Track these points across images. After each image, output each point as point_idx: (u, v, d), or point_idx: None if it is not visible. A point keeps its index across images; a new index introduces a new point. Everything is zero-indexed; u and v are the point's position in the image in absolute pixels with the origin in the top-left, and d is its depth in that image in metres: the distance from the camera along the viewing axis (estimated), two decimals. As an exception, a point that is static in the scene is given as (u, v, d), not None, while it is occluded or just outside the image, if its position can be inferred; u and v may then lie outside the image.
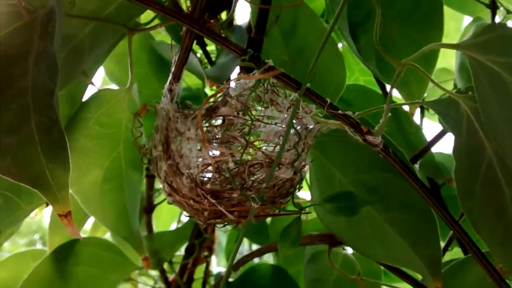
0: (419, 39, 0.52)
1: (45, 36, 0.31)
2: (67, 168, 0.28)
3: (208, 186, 0.39)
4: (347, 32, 0.54)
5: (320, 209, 0.48)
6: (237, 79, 0.36)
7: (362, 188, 0.44)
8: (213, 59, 0.54)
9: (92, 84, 0.43)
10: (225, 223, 0.41)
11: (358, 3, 0.53)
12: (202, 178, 0.39)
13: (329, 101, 0.36)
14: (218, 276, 0.67)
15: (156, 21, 0.42)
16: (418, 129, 0.58)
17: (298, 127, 0.39)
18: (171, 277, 0.67)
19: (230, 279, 0.60)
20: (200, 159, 0.39)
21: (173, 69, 0.41)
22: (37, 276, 0.50)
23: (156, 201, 0.73)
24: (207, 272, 0.67)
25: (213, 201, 0.39)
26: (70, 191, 0.44)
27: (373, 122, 0.57)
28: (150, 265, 0.61)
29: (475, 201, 0.36)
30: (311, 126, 0.40)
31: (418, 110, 0.71)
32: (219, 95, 0.38)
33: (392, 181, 0.43)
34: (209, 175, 0.40)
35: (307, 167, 0.41)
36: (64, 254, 0.52)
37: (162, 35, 0.57)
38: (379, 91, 0.59)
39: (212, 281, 0.69)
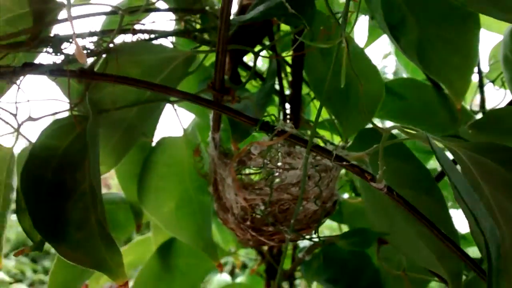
0: (456, 40, 0.52)
1: (92, 143, 0.40)
2: (120, 253, 0.38)
3: (248, 223, 0.47)
4: (388, 33, 0.56)
5: (367, 209, 0.53)
6: (254, 145, 0.43)
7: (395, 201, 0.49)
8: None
9: (152, 141, 0.52)
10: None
11: (392, 7, 0.54)
12: (243, 215, 0.47)
13: (334, 154, 0.41)
14: (304, 249, 0.76)
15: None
16: (469, 115, 0.59)
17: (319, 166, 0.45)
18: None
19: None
20: (238, 202, 0.46)
21: (211, 122, 0.48)
22: (148, 271, 0.64)
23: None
24: (295, 246, 0.77)
25: (254, 233, 0.47)
26: (153, 218, 0.55)
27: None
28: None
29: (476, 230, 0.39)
30: (331, 164, 0.45)
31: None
32: (243, 153, 0.45)
33: (419, 198, 0.46)
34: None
35: (335, 198, 0.47)
36: (167, 250, 0.65)
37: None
38: (429, 83, 0.60)
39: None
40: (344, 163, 0.41)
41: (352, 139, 0.57)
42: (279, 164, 0.45)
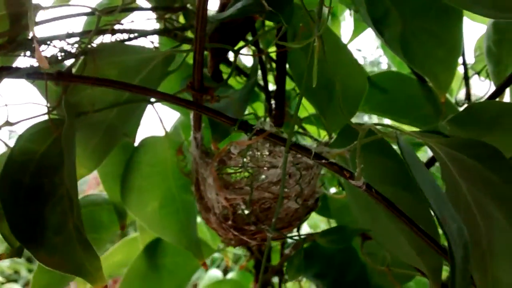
0: (440, 33, 0.51)
1: (67, 148, 0.40)
2: (98, 257, 0.38)
3: (230, 222, 0.47)
4: (372, 27, 0.55)
5: (351, 205, 0.53)
6: (233, 145, 0.43)
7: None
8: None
9: (134, 141, 0.52)
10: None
11: (375, 0, 0.53)
12: (225, 214, 0.47)
13: (314, 152, 0.41)
14: (291, 245, 0.76)
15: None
16: (453, 107, 0.59)
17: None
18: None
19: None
20: (219, 202, 0.46)
21: (192, 122, 0.48)
22: (135, 271, 0.64)
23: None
24: (283, 242, 0.77)
25: (236, 233, 0.47)
26: (137, 218, 0.55)
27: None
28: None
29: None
30: (311, 162, 0.45)
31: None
32: (223, 153, 0.45)
33: (399, 194, 0.46)
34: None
35: (317, 195, 0.47)
36: (154, 249, 0.65)
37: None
38: (413, 77, 0.60)
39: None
40: (323, 161, 0.41)
41: (336, 135, 0.57)
42: (260, 163, 0.45)
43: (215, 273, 0.99)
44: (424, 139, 0.38)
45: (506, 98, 0.49)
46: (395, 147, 0.50)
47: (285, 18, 0.41)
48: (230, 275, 0.93)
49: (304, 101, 0.68)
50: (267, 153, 0.45)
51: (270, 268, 0.75)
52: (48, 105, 0.42)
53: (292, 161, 0.45)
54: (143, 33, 0.48)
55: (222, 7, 0.55)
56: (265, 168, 0.45)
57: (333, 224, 0.79)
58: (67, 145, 0.38)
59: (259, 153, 0.45)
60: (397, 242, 0.47)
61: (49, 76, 0.41)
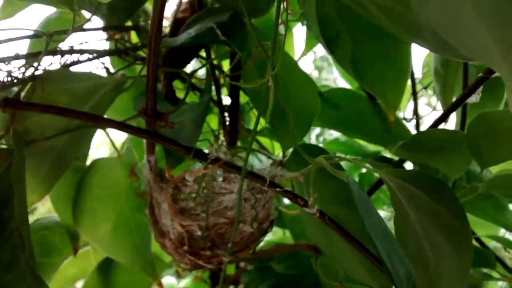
0: (390, 54, 0.53)
1: (17, 181, 0.38)
2: (51, 293, 0.37)
3: (185, 247, 0.47)
4: (324, 46, 0.56)
5: (305, 221, 0.54)
6: (188, 173, 0.43)
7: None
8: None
9: (85, 165, 0.50)
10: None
11: (327, 22, 0.54)
12: (180, 240, 0.47)
13: (268, 180, 0.41)
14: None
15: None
16: (402, 125, 0.61)
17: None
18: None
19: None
20: (174, 228, 0.46)
21: (145, 146, 0.48)
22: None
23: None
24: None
25: (192, 258, 0.47)
26: (90, 241, 0.54)
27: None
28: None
29: (409, 251, 0.41)
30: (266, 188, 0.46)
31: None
32: (178, 180, 0.44)
33: (349, 214, 0.48)
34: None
35: (272, 217, 0.48)
36: (107, 267, 0.64)
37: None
38: (364, 94, 0.62)
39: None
40: (278, 189, 0.42)
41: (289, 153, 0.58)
42: (215, 189, 0.45)
43: (169, 280, 0.98)
44: (376, 170, 0.39)
45: (451, 121, 0.51)
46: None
47: (238, 46, 0.41)
48: (182, 283, 0.93)
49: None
50: (221, 179, 0.45)
51: (226, 279, 0.76)
52: (-5, 134, 0.41)
53: (247, 186, 0.45)
54: (94, 54, 0.47)
55: (175, 24, 0.54)
56: (219, 195, 0.45)
57: (287, 233, 0.80)
58: (17, 178, 0.37)
59: (214, 180, 0.45)
60: (349, 261, 0.49)
61: (-4, 104, 0.40)
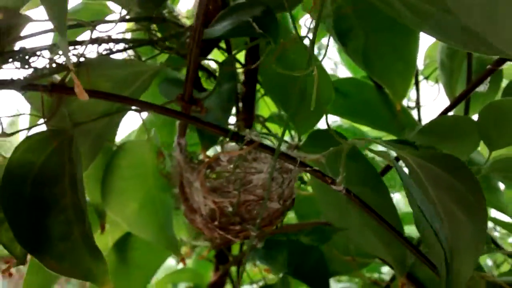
0: (399, 47, 0.57)
1: (72, 161, 0.41)
2: (105, 262, 0.40)
3: (216, 222, 0.50)
4: (336, 39, 0.60)
5: (320, 202, 0.58)
6: (224, 154, 0.46)
7: (346, 195, 0.54)
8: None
9: (116, 145, 0.53)
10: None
11: (341, 16, 0.58)
12: (211, 216, 0.51)
13: (299, 160, 0.45)
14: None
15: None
16: (408, 114, 0.65)
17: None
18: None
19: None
20: (206, 204, 0.50)
21: (178, 128, 0.51)
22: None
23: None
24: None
25: (222, 232, 0.50)
26: (118, 218, 0.57)
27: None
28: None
29: (421, 228, 0.45)
30: (293, 168, 0.49)
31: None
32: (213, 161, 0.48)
33: (368, 193, 0.52)
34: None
35: (293, 196, 0.52)
36: (123, 245, 0.67)
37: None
38: (371, 83, 0.66)
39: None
40: (308, 168, 0.46)
41: (304, 138, 0.62)
42: (246, 169, 0.48)
43: (169, 262, 1.01)
44: (398, 151, 0.43)
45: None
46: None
47: (273, 38, 0.45)
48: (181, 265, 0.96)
49: (267, 101, 0.73)
50: (253, 160, 0.49)
51: (233, 258, 0.79)
52: (44, 116, 0.43)
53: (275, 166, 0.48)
54: (130, 44, 0.50)
55: (205, 16, 0.57)
56: (250, 174, 0.48)
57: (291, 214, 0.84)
58: (75, 156, 0.40)
59: (245, 161, 0.49)
60: (365, 236, 0.53)
61: (44, 88, 0.42)
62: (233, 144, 0.47)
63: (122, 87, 0.45)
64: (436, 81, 0.67)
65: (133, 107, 0.48)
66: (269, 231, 0.52)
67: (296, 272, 0.74)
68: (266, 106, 0.73)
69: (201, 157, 0.52)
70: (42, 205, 0.41)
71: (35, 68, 0.44)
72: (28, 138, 0.43)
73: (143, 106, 0.43)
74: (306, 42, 0.58)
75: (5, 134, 0.43)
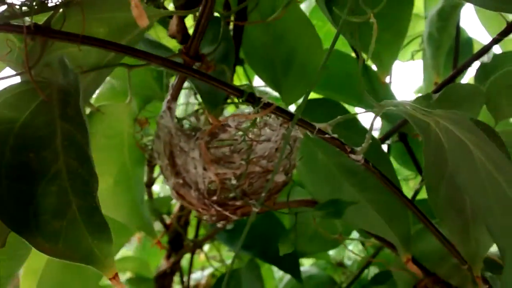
0: (390, 16, 0.54)
1: (67, 118, 0.34)
2: (111, 242, 0.33)
3: (215, 198, 0.44)
4: (323, 4, 0.56)
5: (305, 178, 0.55)
6: (235, 116, 0.41)
7: (343, 170, 0.51)
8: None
9: (94, 108, 0.45)
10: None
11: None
12: (210, 190, 0.45)
13: (317, 127, 0.41)
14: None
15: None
16: (387, 88, 0.63)
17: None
18: (168, 221, 0.75)
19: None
20: (206, 177, 0.44)
21: (171, 91, 0.44)
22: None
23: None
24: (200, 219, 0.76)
25: (220, 209, 0.45)
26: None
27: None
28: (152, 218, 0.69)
29: (440, 198, 0.43)
30: (299, 135, 0.45)
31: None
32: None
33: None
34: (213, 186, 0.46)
35: (297, 164, 0.47)
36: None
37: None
38: (353, 55, 0.63)
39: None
40: (327, 135, 0.42)
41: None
42: (255, 137, 0.43)
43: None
44: (427, 113, 0.40)
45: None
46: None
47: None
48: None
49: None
50: (264, 125, 0.44)
51: (193, 243, 0.74)
52: (27, 64, 0.35)
53: (283, 135, 0.44)
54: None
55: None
56: (258, 143, 0.43)
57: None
58: (72, 111, 0.32)
59: (254, 127, 0.43)
60: (363, 212, 0.50)
61: (27, 30, 0.34)
62: (244, 108, 0.42)
63: (118, 34, 0.38)
64: (412, 57, 0.67)
65: (122, 63, 0.41)
66: (267, 208, 0.47)
67: (262, 255, 0.70)
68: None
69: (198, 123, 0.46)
70: (26, 173, 0.33)
71: (10, 5, 0.35)
72: (3, 91, 0.34)
73: (151, 58, 0.36)
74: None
75: (-25, 84, 0.34)
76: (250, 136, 0.43)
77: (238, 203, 0.45)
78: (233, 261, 0.45)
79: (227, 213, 0.45)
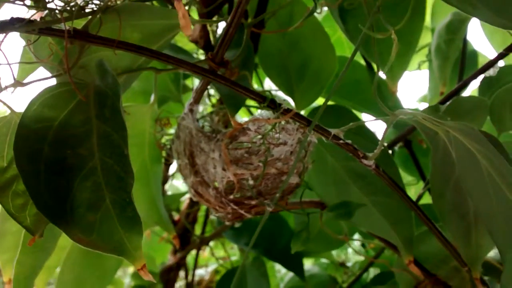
0: (402, 28, 0.57)
1: (104, 118, 0.36)
2: (141, 234, 0.35)
3: (231, 196, 0.47)
4: (337, 14, 0.59)
5: (314, 181, 0.57)
6: (255, 120, 0.43)
7: (351, 173, 0.53)
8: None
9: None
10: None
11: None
12: (228, 189, 0.47)
13: (332, 133, 0.43)
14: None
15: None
16: (396, 96, 0.66)
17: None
18: (177, 217, 0.77)
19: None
20: (224, 177, 0.46)
21: (194, 94, 0.47)
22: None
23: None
24: (208, 214, 0.78)
25: (236, 207, 0.47)
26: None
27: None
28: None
29: (445, 203, 0.46)
30: (313, 140, 0.48)
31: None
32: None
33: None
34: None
35: (309, 167, 0.50)
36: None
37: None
38: (362, 62, 0.66)
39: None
40: (341, 141, 0.44)
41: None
42: (273, 140, 0.45)
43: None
44: (437, 123, 0.43)
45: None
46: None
47: None
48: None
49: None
50: (281, 129, 0.46)
51: (200, 239, 0.76)
52: (66, 66, 0.37)
53: (299, 139, 0.46)
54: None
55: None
56: (275, 146, 0.46)
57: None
58: (110, 112, 0.35)
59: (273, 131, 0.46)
60: (368, 214, 0.53)
61: (68, 34, 0.36)
62: (262, 112, 0.44)
63: (151, 40, 0.40)
64: (419, 67, 0.69)
65: (152, 66, 0.43)
66: (280, 208, 0.50)
67: (267, 253, 0.73)
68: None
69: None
70: (64, 168, 0.35)
71: (50, 10, 0.37)
72: (44, 91, 0.37)
73: (181, 64, 0.39)
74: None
75: (19, 84, 0.36)
76: (267, 139, 0.46)
77: (253, 202, 0.47)
78: (246, 258, 0.48)
79: (242, 211, 0.47)
